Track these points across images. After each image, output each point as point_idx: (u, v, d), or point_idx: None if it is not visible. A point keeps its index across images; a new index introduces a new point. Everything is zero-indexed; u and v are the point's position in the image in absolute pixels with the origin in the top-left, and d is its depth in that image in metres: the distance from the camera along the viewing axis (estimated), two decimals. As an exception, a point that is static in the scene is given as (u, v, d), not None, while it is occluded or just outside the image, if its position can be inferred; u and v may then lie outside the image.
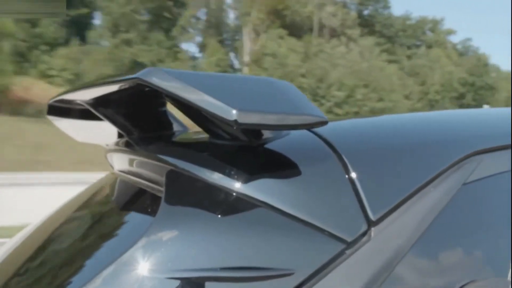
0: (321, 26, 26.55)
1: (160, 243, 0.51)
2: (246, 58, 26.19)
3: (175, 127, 0.86)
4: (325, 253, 0.52)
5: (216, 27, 27.62)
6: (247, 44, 26.45)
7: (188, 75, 0.50)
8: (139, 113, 0.75)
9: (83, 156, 9.18)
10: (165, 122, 0.82)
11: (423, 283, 0.54)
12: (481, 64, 29.26)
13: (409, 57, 29.50)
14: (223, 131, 0.59)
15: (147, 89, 0.61)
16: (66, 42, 21.20)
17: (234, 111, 0.46)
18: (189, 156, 0.62)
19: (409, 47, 30.41)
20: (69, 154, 9.85)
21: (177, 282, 0.48)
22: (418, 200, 0.58)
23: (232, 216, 0.52)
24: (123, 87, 0.60)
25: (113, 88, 0.61)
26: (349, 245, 0.53)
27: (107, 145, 0.95)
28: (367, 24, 28.81)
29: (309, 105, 0.52)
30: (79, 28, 22.23)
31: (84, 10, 22.43)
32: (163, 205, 0.55)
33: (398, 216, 0.56)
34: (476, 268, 0.59)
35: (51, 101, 0.80)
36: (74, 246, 0.69)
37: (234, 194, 0.54)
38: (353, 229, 0.53)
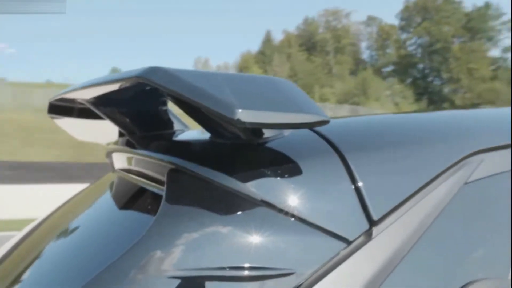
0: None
1: (160, 242, 0.51)
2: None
3: (176, 126, 0.86)
4: (326, 252, 0.52)
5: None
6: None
7: (189, 73, 0.50)
8: (140, 112, 0.75)
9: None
10: (167, 121, 0.82)
11: (424, 282, 0.54)
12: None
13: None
14: (224, 130, 0.59)
15: (148, 87, 0.61)
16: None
17: (237, 110, 0.46)
18: (190, 155, 0.62)
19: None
20: None
21: (177, 282, 0.48)
22: (420, 199, 0.58)
23: (233, 215, 0.52)
24: (124, 86, 0.60)
25: (115, 87, 0.61)
26: (351, 244, 0.53)
27: (108, 144, 0.95)
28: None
29: (311, 104, 0.52)
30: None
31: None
32: (164, 204, 0.55)
33: (399, 215, 0.56)
34: (476, 268, 0.58)
35: (52, 100, 0.80)
36: (74, 246, 0.69)
37: (235, 193, 0.53)
38: (355, 228, 0.53)
